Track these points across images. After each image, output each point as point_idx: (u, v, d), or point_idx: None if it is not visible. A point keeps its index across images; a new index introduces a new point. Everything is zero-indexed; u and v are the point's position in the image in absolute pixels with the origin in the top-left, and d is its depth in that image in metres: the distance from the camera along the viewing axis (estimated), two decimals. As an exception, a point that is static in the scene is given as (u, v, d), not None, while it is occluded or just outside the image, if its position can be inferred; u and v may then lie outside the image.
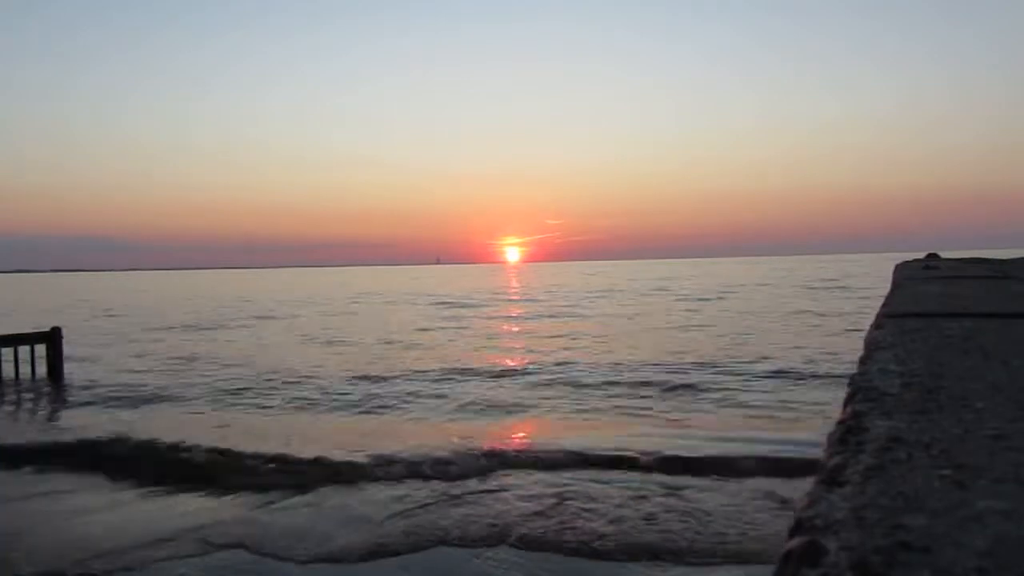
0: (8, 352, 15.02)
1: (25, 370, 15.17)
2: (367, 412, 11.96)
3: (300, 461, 8.68)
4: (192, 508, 7.53)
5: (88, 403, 13.25)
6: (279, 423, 11.28)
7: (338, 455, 8.87)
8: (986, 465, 0.68)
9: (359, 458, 8.73)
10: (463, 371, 15.58)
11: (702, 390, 12.94)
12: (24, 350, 15.15)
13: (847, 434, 0.79)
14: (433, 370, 15.85)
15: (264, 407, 12.49)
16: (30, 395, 14.28)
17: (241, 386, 14.36)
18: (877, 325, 1.74)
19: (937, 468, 0.68)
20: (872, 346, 1.39)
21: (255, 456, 8.87)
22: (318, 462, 8.61)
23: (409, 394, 13.16)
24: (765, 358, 16.18)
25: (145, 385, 14.73)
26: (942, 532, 0.53)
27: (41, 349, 15.50)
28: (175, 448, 9.17)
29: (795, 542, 0.53)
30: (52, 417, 12.24)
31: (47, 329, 15.82)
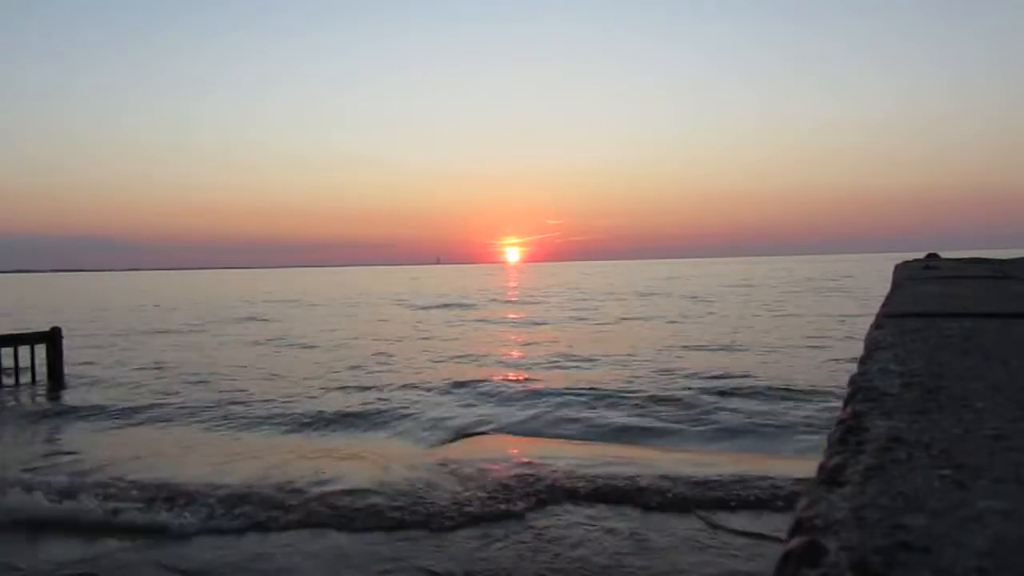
0: (7, 354, 14.93)
1: (24, 372, 15.10)
2: (344, 431, 11.11)
3: (269, 488, 8.00)
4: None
5: (80, 413, 12.69)
6: (257, 442, 10.58)
7: (302, 483, 8.17)
8: (986, 465, 0.68)
9: (321, 491, 7.93)
10: (446, 384, 14.71)
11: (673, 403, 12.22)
12: (24, 352, 15.05)
13: (847, 434, 0.79)
14: (407, 381, 15.08)
15: (249, 424, 11.67)
16: (28, 400, 14.19)
17: (213, 400, 13.50)
18: (877, 325, 1.74)
19: (937, 468, 0.68)
20: (872, 346, 1.39)
21: (213, 488, 8.07)
22: (290, 491, 7.89)
23: (386, 410, 12.37)
24: (760, 368, 15.63)
25: (140, 395, 14.26)
26: (942, 532, 0.53)
27: (41, 350, 15.42)
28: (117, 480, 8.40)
29: (795, 542, 0.53)
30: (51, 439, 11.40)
31: (47, 329, 15.77)
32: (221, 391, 14.48)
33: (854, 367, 1.21)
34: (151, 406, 13.10)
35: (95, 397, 14.03)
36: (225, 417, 12.11)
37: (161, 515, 7.30)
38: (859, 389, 1.01)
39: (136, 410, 12.82)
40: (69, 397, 14.20)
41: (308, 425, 11.45)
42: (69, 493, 7.92)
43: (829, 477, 0.66)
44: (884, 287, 3.63)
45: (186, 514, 7.30)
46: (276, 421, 11.76)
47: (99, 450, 10.22)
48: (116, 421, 12.18)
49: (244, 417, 12.00)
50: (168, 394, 14.34)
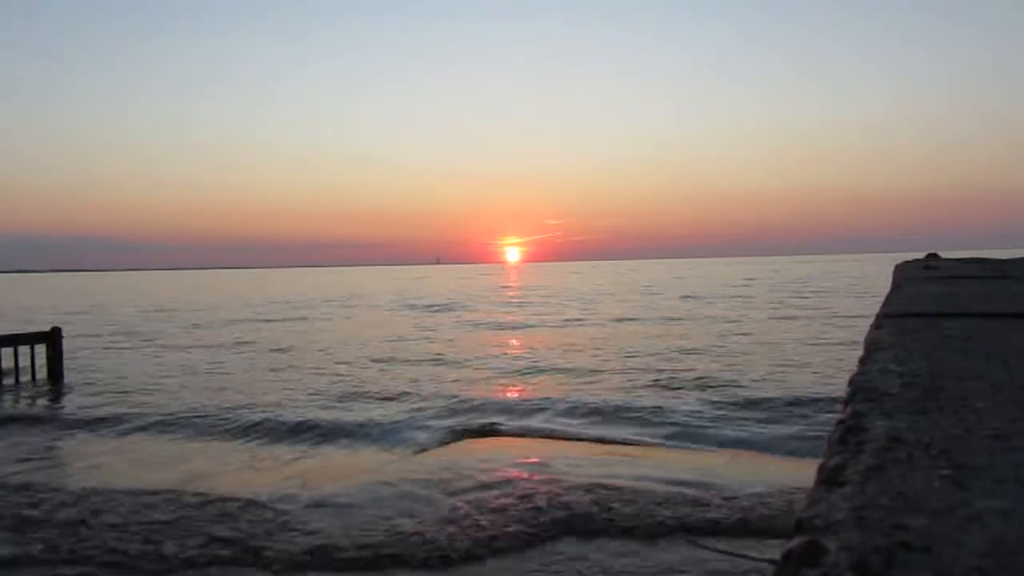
0: (7, 354, 14.90)
1: (24, 372, 15.08)
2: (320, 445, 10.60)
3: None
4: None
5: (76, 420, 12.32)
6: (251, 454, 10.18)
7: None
8: (986, 465, 0.68)
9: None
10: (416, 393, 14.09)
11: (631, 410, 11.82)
12: (24, 352, 15.03)
13: (847, 434, 0.79)
14: (403, 386, 14.63)
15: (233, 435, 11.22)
16: (27, 400, 14.14)
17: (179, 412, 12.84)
18: (877, 325, 1.74)
19: (937, 468, 0.68)
20: (872, 346, 1.39)
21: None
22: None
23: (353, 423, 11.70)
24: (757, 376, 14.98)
25: (135, 398, 14.00)
26: (942, 532, 0.53)
27: (41, 350, 15.40)
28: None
29: (795, 542, 0.53)
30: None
31: (47, 329, 15.76)
32: (217, 394, 14.36)
33: (854, 368, 1.21)
34: (144, 413, 12.69)
35: (91, 399, 13.93)
36: (219, 422, 11.94)
37: (136, 542, 6.82)
38: (859, 389, 1.01)
39: (128, 417, 12.42)
40: (67, 398, 14.15)
41: (298, 433, 11.13)
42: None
43: (829, 477, 0.66)
44: (883, 287, 3.62)
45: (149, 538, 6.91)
46: (268, 426, 11.52)
47: (86, 456, 10.18)
48: (110, 427, 11.90)
49: (236, 423, 11.78)
50: (164, 398, 14.13)
